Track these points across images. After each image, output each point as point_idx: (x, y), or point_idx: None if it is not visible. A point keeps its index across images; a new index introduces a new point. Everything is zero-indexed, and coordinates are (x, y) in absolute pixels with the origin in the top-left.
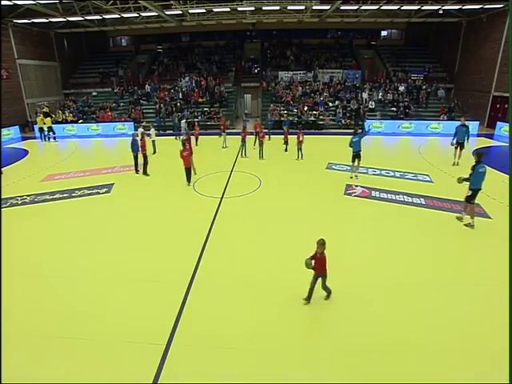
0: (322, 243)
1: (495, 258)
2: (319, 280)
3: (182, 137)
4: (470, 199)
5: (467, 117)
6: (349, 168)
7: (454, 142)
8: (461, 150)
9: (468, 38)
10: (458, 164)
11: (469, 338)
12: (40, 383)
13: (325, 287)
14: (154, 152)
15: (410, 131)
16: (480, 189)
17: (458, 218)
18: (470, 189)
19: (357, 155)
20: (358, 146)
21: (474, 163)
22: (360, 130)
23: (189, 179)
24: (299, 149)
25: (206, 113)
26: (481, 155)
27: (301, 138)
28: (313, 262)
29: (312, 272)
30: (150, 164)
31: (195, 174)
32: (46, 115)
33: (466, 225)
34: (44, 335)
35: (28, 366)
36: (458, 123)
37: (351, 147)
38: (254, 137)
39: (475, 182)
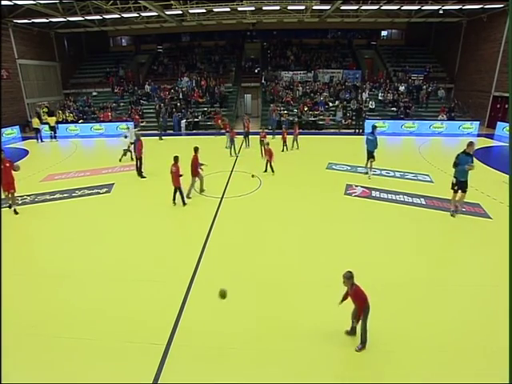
0: (348, 277)
1: (495, 257)
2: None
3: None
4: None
5: (470, 116)
6: (349, 168)
7: (455, 180)
8: (463, 191)
9: (468, 38)
10: (454, 214)
11: (469, 338)
12: (40, 383)
13: (362, 329)
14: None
15: (412, 131)
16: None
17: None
18: (369, 150)
19: (371, 155)
20: (372, 145)
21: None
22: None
23: (183, 198)
24: (295, 140)
25: (206, 113)
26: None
27: (296, 132)
28: None
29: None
30: (145, 165)
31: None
32: (51, 114)
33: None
34: (44, 335)
35: (28, 365)
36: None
37: (367, 145)
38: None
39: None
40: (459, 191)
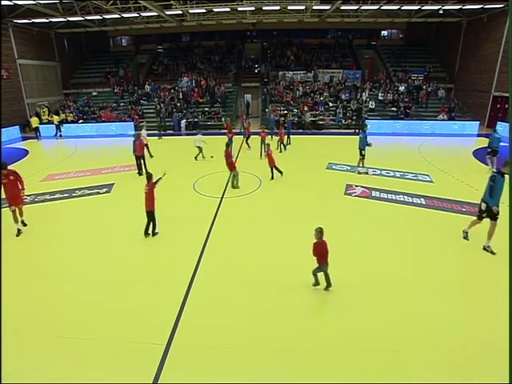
0: (319, 231)
1: (495, 257)
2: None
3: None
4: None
5: (470, 116)
6: (349, 168)
7: (485, 206)
8: (493, 219)
9: (468, 38)
10: (466, 237)
11: (469, 338)
12: (40, 383)
13: (326, 276)
14: (150, 156)
15: (412, 131)
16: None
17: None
18: (359, 147)
19: (359, 152)
20: (360, 143)
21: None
22: (360, 130)
23: (148, 228)
24: (280, 142)
25: (206, 113)
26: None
27: (282, 132)
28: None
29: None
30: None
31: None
32: (55, 113)
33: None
34: (44, 335)
35: (28, 365)
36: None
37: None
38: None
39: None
40: (485, 219)
